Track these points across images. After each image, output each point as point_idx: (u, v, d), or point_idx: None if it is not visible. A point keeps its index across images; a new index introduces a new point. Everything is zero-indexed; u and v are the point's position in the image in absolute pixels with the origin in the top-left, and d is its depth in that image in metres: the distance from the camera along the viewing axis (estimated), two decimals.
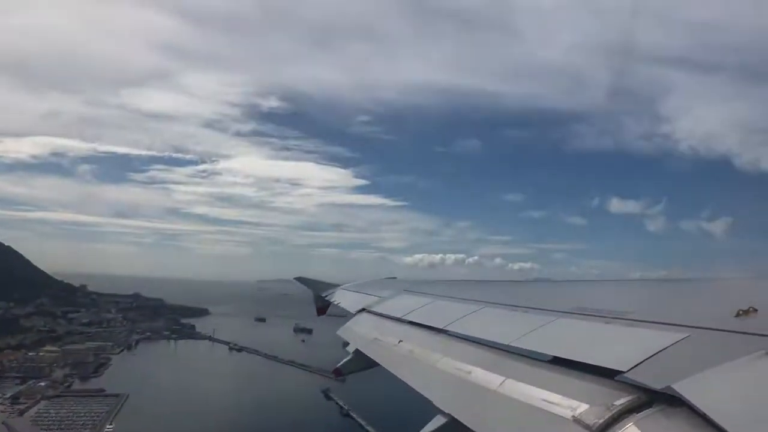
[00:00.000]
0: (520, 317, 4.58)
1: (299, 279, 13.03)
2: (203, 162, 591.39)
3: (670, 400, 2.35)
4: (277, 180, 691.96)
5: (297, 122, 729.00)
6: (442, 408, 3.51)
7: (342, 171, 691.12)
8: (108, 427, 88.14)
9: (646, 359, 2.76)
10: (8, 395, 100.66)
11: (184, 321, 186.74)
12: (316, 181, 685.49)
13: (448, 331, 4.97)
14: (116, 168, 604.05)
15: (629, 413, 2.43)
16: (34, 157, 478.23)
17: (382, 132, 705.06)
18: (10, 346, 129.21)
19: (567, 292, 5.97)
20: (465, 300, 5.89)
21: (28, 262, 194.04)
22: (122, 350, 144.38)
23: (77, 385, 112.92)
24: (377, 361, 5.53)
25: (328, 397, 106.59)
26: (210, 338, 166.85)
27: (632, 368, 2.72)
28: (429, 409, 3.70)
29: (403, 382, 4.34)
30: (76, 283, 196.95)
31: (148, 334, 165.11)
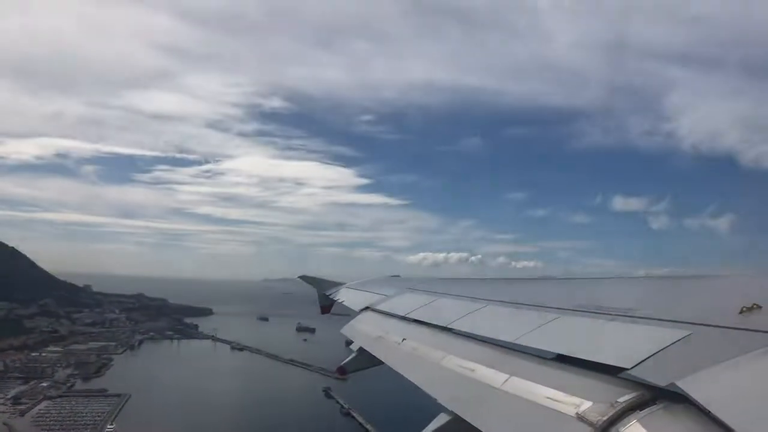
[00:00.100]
0: (524, 315, 4.60)
1: (303, 277, 12.99)
2: (207, 162, 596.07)
3: (674, 397, 2.37)
4: (281, 179, 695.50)
5: (300, 122, 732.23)
6: (446, 405, 3.53)
7: (345, 170, 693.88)
8: (109, 427, 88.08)
9: (650, 356, 2.78)
10: (10, 396, 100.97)
11: (187, 321, 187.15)
12: (320, 181, 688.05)
13: (451, 328, 5.01)
14: (120, 169, 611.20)
15: (633, 410, 2.45)
16: (38, 158, 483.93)
17: (385, 131, 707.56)
18: (13, 346, 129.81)
19: (570, 289, 5.92)
20: (468, 298, 5.89)
21: (31, 263, 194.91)
22: (125, 350, 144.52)
23: (79, 385, 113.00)
24: (381, 359, 5.52)
25: (328, 396, 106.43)
26: (212, 338, 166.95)
27: (636, 365, 2.74)
28: (429, 408, 3.75)
29: (405, 381, 4.37)
30: (80, 283, 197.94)
31: (151, 334, 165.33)
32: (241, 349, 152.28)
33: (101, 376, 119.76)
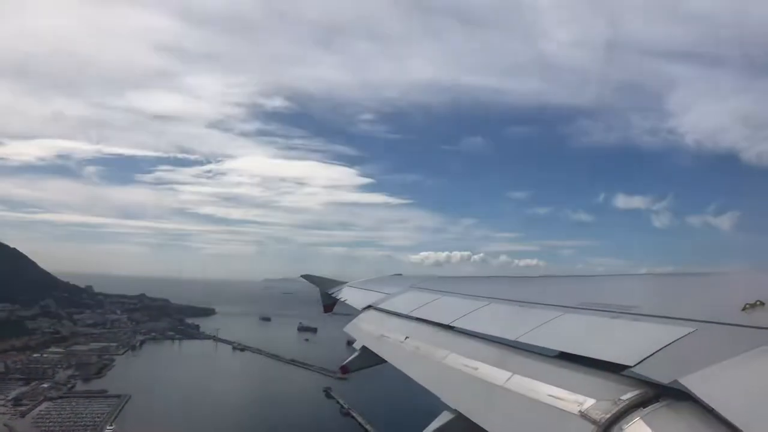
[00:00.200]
0: (527, 313, 4.57)
1: (306, 276, 12.93)
2: (209, 162, 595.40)
3: (677, 395, 2.37)
4: (283, 179, 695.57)
5: (301, 121, 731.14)
6: (449, 404, 3.52)
7: (347, 170, 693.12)
8: (108, 428, 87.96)
9: (653, 354, 2.78)
10: (11, 397, 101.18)
11: (189, 321, 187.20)
12: (321, 180, 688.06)
13: (454, 327, 5.00)
14: (122, 169, 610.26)
15: (636, 408, 2.45)
16: (40, 159, 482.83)
17: (386, 130, 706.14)
18: (14, 347, 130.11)
19: (573, 287, 5.85)
20: (471, 296, 5.86)
21: (33, 264, 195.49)
22: (126, 351, 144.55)
23: (80, 386, 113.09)
24: (384, 357, 5.52)
25: (328, 396, 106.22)
26: (214, 338, 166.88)
27: (639, 363, 2.73)
28: (428, 409, 3.77)
29: (404, 381, 4.39)
30: (82, 284, 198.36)
31: (153, 334, 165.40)
32: (242, 350, 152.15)
33: (102, 377, 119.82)
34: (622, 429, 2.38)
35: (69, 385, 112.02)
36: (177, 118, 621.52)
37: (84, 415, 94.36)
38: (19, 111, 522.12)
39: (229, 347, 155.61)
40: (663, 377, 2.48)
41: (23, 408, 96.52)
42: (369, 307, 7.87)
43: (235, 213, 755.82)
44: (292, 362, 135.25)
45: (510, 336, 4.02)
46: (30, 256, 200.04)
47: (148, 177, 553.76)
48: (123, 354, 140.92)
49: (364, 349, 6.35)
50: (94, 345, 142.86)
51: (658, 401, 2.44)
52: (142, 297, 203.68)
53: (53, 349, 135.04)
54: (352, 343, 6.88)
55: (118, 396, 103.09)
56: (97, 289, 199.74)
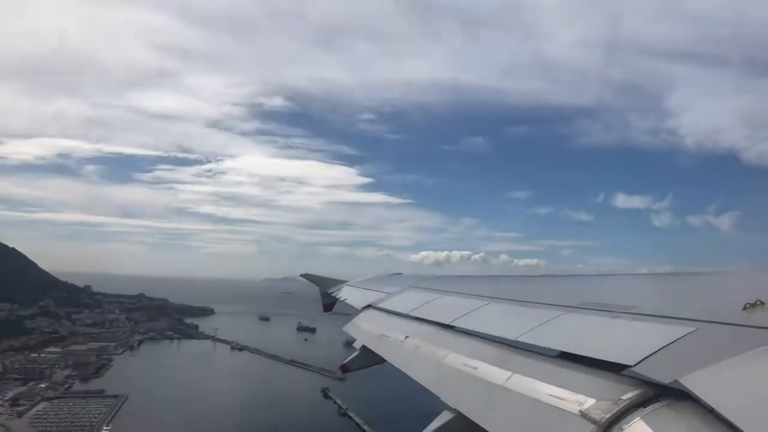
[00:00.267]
0: (527, 312, 4.57)
1: (305, 276, 12.89)
2: (208, 161, 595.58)
3: (678, 395, 2.37)
4: (282, 178, 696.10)
5: (301, 121, 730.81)
6: (449, 403, 3.52)
7: (347, 169, 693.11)
8: (105, 428, 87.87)
9: (653, 353, 2.77)
10: (8, 397, 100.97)
11: (187, 321, 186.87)
12: (321, 180, 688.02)
13: (454, 326, 4.99)
14: (122, 168, 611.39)
15: (636, 408, 2.45)
16: (40, 158, 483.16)
17: (386, 130, 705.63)
18: (13, 347, 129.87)
19: (573, 286, 5.86)
20: (471, 295, 5.84)
21: (32, 264, 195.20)
22: (124, 351, 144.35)
23: (78, 386, 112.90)
24: (384, 357, 5.52)
25: (326, 397, 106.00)
26: (212, 338, 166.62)
27: (639, 362, 2.73)
28: (426, 409, 3.77)
29: (402, 381, 4.41)
30: (81, 283, 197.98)
31: (151, 334, 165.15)
32: (241, 350, 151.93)
33: (100, 376, 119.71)
34: (622, 429, 2.37)
35: (66, 385, 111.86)
36: (177, 118, 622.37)
37: (81, 416, 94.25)
38: (19, 110, 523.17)
39: (228, 347, 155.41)
40: (663, 377, 2.47)
41: (20, 408, 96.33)
42: (369, 306, 7.86)
43: (235, 212, 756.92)
44: (291, 362, 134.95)
45: (510, 335, 4.01)
46: (29, 256, 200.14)
47: (147, 176, 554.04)
48: (121, 354, 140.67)
49: (364, 348, 6.35)
50: (92, 345, 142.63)
51: (658, 401, 2.43)
52: (140, 297, 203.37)
53: (51, 348, 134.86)
54: (351, 343, 6.86)
55: (116, 396, 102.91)
56: (96, 289, 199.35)
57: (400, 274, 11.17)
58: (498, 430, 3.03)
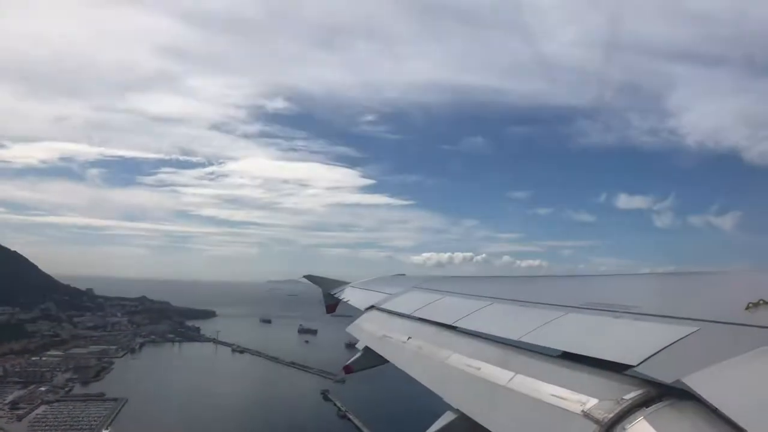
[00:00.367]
0: (530, 312, 4.57)
1: (308, 277, 12.96)
2: (211, 164, 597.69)
3: (681, 394, 2.37)
4: (285, 181, 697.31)
5: (303, 123, 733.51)
6: (452, 404, 3.54)
7: (349, 171, 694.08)
8: (104, 431, 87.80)
9: (656, 353, 2.78)
10: (8, 400, 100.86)
11: (189, 323, 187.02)
12: (323, 182, 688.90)
13: (457, 327, 4.99)
14: (124, 171, 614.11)
15: (639, 407, 2.46)
16: (43, 162, 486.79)
17: (387, 131, 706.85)
18: (13, 351, 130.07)
19: (576, 286, 5.86)
20: (474, 296, 5.85)
21: (34, 267, 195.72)
22: (125, 354, 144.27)
23: (78, 389, 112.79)
24: (387, 357, 5.53)
25: (326, 399, 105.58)
26: (214, 341, 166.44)
27: (642, 362, 2.74)
28: (426, 411, 3.79)
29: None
30: (83, 287, 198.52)
31: (153, 337, 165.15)
32: (242, 352, 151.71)
33: (100, 380, 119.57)
34: (625, 428, 2.36)
35: (66, 389, 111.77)
36: (179, 120, 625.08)
37: (80, 419, 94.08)
38: (21, 113, 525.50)
39: (229, 350, 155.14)
40: (666, 377, 2.47)
41: (20, 412, 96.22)
42: (371, 307, 7.88)
43: (238, 215, 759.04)
44: (291, 364, 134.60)
45: (513, 336, 4.01)
46: (31, 259, 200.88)
47: (150, 179, 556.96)
48: (122, 357, 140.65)
49: (367, 349, 6.35)
50: (93, 348, 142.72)
51: (661, 401, 2.44)
52: (142, 299, 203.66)
53: (52, 352, 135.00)
54: (353, 344, 6.89)
55: (115, 399, 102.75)
56: (98, 292, 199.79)
57: (403, 275, 11.15)
58: (501, 430, 3.03)
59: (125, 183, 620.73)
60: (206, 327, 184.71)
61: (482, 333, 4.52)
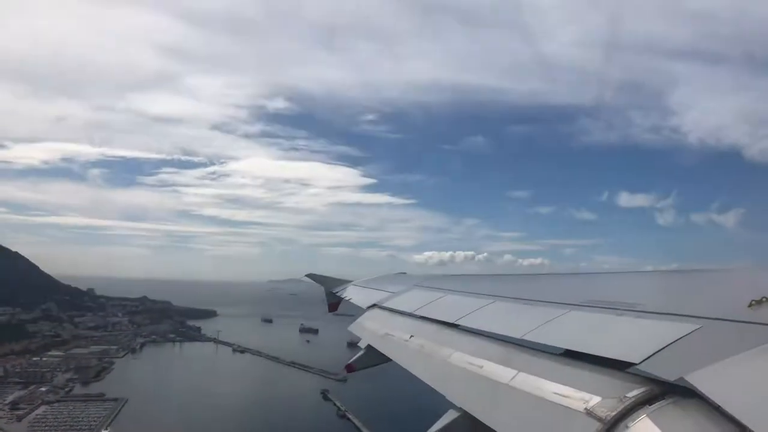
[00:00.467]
0: (532, 310, 4.54)
1: (310, 275, 12.93)
2: (212, 164, 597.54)
3: (683, 392, 2.37)
4: (286, 180, 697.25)
5: (304, 122, 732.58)
6: (455, 402, 3.54)
7: (350, 170, 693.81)
8: (103, 431, 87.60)
9: (659, 351, 2.77)
10: (8, 401, 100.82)
11: (190, 323, 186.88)
12: (325, 181, 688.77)
13: (459, 325, 4.98)
14: (126, 172, 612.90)
15: (642, 405, 2.46)
16: (44, 162, 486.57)
17: (388, 131, 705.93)
18: (14, 351, 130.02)
19: (578, 284, 5.84)
20: (476, 294, 5.85)
21: (35, 268, 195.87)
22: (126, 354, 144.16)
23: (78, 389, 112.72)
24: (389, 356, 5.51)
25: (326, 399, 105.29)
26: (214, 340, 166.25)
27: (644, 360, 2.74)
28: (426, 410, 3.82)
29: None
30: (84, 287, 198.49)
31: (153, 337, 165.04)
32: (242, 352, 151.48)
33: (101, 380, 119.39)
34: (627, 426, 2.36)
35: (67, 389, 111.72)
36: (180, 120, 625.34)
37: (80, 419, 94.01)
38: (24, 114, 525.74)
39: (230, 349, 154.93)
40: (669, 374, 2.46)
41: (20, 412, 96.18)
42: (374, 305, 7.88)
43: (239, 214, 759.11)
44: (292, 364, 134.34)
45: (515, 334, 3.99)
46: (32, 260, 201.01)
47: (151, 179, 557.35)
48: (123, 357, 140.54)
49: (369, 347, 6.33)
50: (94, 348, 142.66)
51: (664, 399, 2.43)
52: (143, 299, 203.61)
53: (53, 352, 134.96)
54: (354, 344, 6.88)
55: (115, 399, 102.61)
56: (99, 292, 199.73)
57: (405, 273, 11.13)
58: (503, 428, 3.00)
59: (126, 183, 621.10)
60: (207, 327, 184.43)
61: (484, 331, 4.51)
